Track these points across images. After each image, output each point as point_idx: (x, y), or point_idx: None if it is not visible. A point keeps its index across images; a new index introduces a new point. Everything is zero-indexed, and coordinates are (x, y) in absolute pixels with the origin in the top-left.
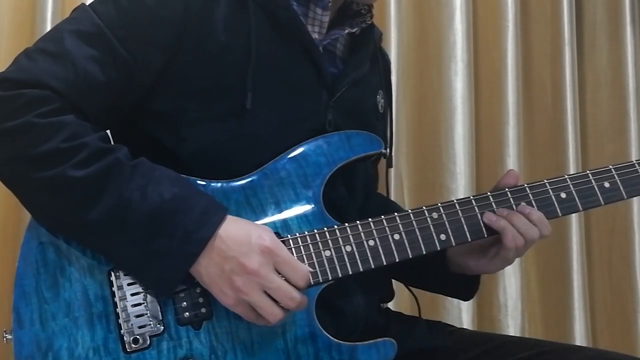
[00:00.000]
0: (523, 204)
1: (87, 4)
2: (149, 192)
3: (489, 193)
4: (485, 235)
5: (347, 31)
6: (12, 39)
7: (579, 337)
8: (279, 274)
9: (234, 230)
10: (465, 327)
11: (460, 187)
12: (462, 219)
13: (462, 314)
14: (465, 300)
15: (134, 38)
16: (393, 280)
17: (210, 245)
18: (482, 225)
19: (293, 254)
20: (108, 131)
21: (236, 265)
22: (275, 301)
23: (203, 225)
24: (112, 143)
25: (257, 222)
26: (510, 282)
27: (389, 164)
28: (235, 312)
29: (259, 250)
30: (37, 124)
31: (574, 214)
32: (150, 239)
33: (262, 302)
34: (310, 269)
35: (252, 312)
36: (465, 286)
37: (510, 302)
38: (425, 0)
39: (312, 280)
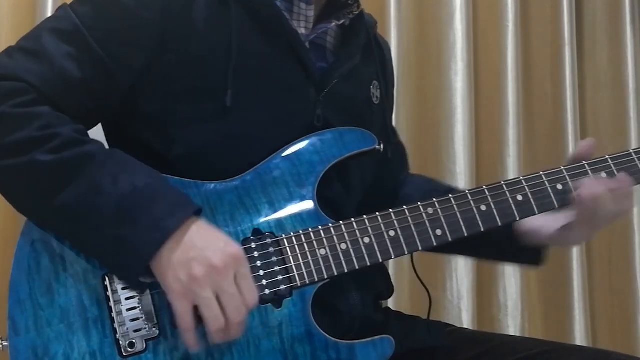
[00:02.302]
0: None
1: (69, 3)
2: (120, 180)
3: (484, 187)
4: (482, 229)
5: (334, 24)
6: (12, 38)
7: (579, 337)
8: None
9: (205, 230)
10: (465, 327)
11: (460, 187)
12: (458, 213)
13: (462, 314)
14: (538, 266)
15: (112, 39)
16: (393, 279)
17: (177, 237)
18: (478, 219)
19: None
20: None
21: (201, 256)
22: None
23: (172, 216)
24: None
25: (252, 222)
26: (510, 282)
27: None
28: (173, 309)
29: (227, 253)
30: (11, 114)
31: None
32: (118, 225)
33: (211, 302)
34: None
35: (187, 315)
36: (535, 254)
37: (510, 302)
38: (425, 0)
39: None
